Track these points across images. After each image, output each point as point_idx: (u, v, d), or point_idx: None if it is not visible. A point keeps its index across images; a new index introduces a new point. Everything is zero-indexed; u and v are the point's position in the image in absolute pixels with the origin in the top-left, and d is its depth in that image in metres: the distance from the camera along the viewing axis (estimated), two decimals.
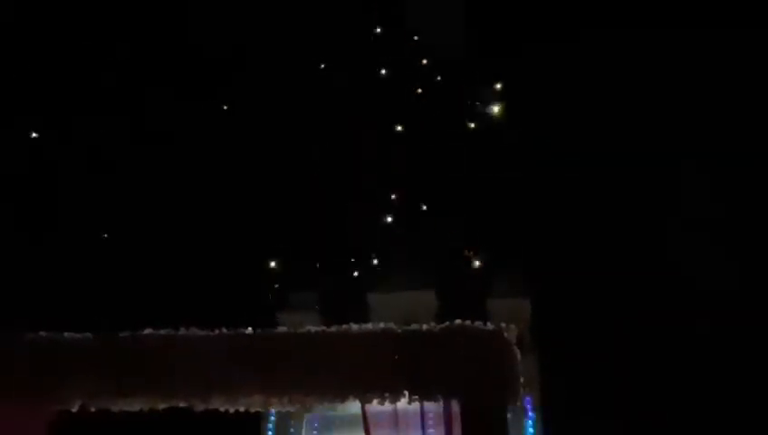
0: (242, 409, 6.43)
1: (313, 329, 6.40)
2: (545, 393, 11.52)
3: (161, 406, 6.27)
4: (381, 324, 6.62)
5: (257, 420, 10.68)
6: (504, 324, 6.19)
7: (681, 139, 15.34)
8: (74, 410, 6.21)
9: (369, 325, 6.48)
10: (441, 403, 6.15)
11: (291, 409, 6.55)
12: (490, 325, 6.17)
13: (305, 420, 11.30)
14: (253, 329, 6.51)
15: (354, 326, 6.37)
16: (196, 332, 6.47)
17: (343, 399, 6.23)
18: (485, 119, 15.71)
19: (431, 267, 14.82)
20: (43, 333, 6.44)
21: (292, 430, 11.12)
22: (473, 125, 15.91)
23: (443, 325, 6.28)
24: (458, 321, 6.28)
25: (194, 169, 15.66)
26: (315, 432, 11.31)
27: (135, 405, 6.23)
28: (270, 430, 11.12)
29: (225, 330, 6.44)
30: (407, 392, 5.99)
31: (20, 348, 6.34)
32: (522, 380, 5.96)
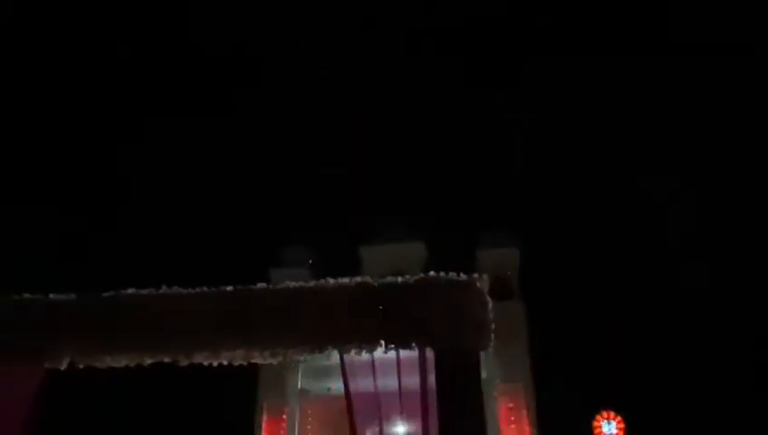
0: (225, 362, 6.55)
1: (292, 284, 6.48)
2: (531, 338, 11.72)
3: (147, 362, 6.39)
4: (358, 278, 6.70)
5: (256, 368, 10.82)
6: (476, 275, 6.25)
7: None
8: (63, 367, 6.33)
9: (346, 279, 6.51)
10: (416, 352, 6.26)
11: (272, 361, 6.69)
12: (463, 276, 6.21)
13: (300, 368, 11.44)
14: (234, 286, 6.59)
15: (331, 280, 6.43)
16: (179, 290, 6.56)
17: (321, 350, 6.35)
18: None
19: (421, 220, 14.81)
20: (28, 295, 6.51)
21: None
22: None
23: (417, 277, 6.33)
24: (432, 273, 6.37)
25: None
26: (310, 380, 11.50)
27: (122, 361, 6.36)
28: (262, 379, 11.31)
29: (206, 288, 6.56)
30: (383, 342, 6.10)
31: (7, 309, 6.44)
32: (493, 326, 6.04)
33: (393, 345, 6.13)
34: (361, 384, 6.72)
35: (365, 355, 6.30)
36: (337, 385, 10.36)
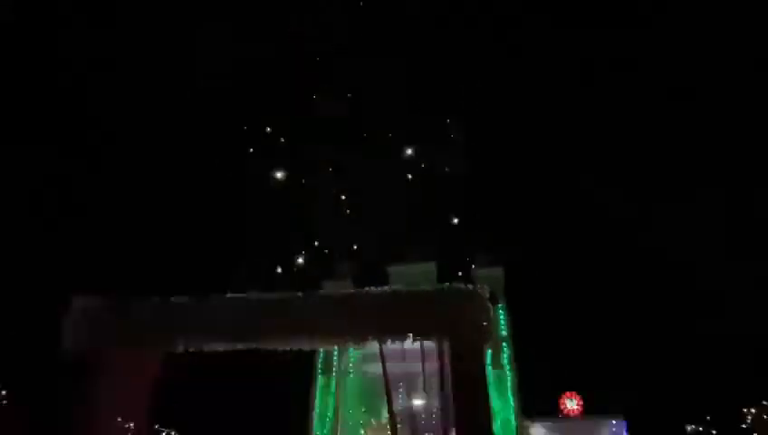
0: (295, 348, 8.40)
1: (345, 291, 8.36)
2: (514, 336, 13.62)
3: (238, 347, 8.20)
4: (392, 287, 8.59)
5: (312, 353, 13.08)
6: (478, 286, 8.14)
7: None
8: (179, 350, 8.13)
9: (386, 288, 8.38)
10: (435, 343, 8.15)
11: (330, 348, 8.52)
12: (469, 286, 8.10)
13: (345, 355, 13.47)
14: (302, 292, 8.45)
15: (373, 289, 8.29)
16: (261, 294, 8.43)
17: (364, 341, 8.19)
18: None
19: (433, 247, 17.19)
20: (154, 298, 8.34)
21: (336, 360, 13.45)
22: None
23: (436, 288, 8.22)
24: (447, 284, 8.28)
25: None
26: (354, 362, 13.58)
27: (220, 347, 8.17)
28: (320, 360, 13.27)
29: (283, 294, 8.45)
30: (410, 335, 7.97)
31: (136, 309, 8.27)
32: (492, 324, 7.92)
33: (418, 337, 7.98)
34: (393, 367, 8.71)
35: (397, 345, 8.20)
36: (371, 369, 12.54)
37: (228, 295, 8.34)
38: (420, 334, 7.99)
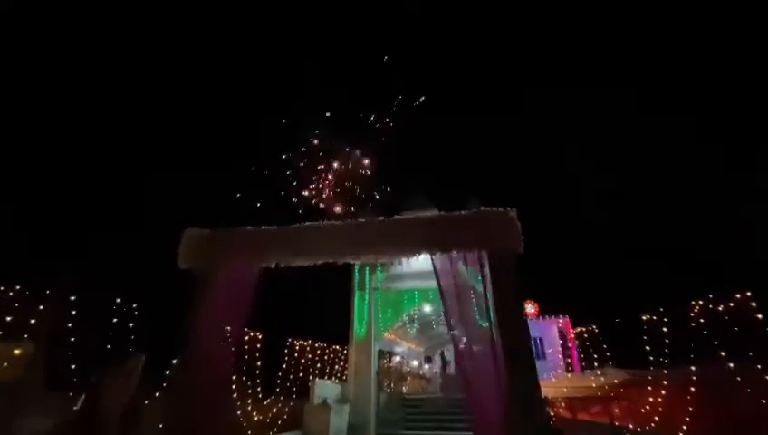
0: (359, 261, 10.30)
1: (404, 217, 10.17)
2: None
3: (319, 262, 10.09)
4: (438, 212, 10.38)
5: (350, 267, 17.00)
6: (508, 208, 9.88)
7: None
8: (272, 266, 10.03)
9: (435, 212, 10.17)
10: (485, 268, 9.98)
11: (393, 259, 10.56)
12: (501, 209, 9.86)
13: (377, 275, 17.15)
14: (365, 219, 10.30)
15: (428, 213, 10.09)
16: (334, 222, 10.27)
17: (418, 253, 10.04)
18: None
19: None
20: (249, 227, 10.17)
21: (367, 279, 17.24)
22: None
23: (477, 210, 9.96)
24: (482, 207, 10.06)
25: None
26: (381, 281, 17.53)
27: (306, 262, 10.06)
28: (356, 281, 16.96)
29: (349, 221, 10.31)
30: (456, 248, 9.81)
31: (238, 235, 10.13)
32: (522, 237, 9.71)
33: (463, 249, 9.82)
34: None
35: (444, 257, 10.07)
36: (393, 285, 16.45)
37: (307, 224, 10.15)
38: (464, 247, 9.76)
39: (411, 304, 18.79)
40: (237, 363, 10.03)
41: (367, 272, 18.59)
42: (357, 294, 18.80)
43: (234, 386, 10.72)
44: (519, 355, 8.77)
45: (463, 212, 9.88)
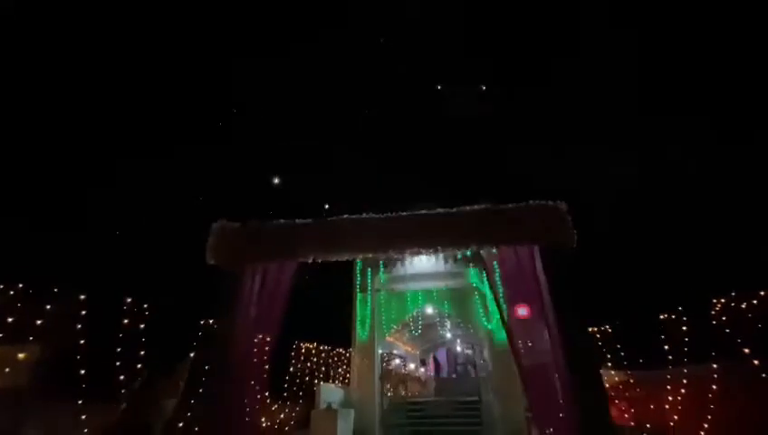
0: (396, 254, 9.68)
1: (443, 210, 9.56)
2: None
3: (359, 256, 9.39)
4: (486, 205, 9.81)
5: (351, 268, 16.78)
6: (559, 201, 9.38)
7: None
8: (309, 261, 9.28)
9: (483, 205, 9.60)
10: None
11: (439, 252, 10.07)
12: (551, 202, 9.35)
13: (379, 277, 16.83)
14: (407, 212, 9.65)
15: (475, 206, 9.51)
16: (372, 215, 9.58)
17: (466, 247, 9.44)
18: None
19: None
20: (282, 220, 9.39)
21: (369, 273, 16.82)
22: None
23: (527, 203, 9.43)
24: (532, 201, 9.53)
25: None
26: (384, 283, 17.16)
27: (345, 257, 9.35)
28: (358, 282, 16.68)
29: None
30: (506, 242, 9.26)
31: (276, 229, 9.33)
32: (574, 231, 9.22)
33: (516, 243, 9.28)
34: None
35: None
36: (396, 287, 18.20)
37: (344, 217, 9.45)
38: (516, 241, 9.22)
39: (414, 305, 18.08)
40: (269, 370, 9.20)
41: (369, 273, 17.91)
42: (359, 296, 18.09)
43: (266, 393, 9.88)
44: (582, 362, 8.26)
45: (511, 205, 9.34)
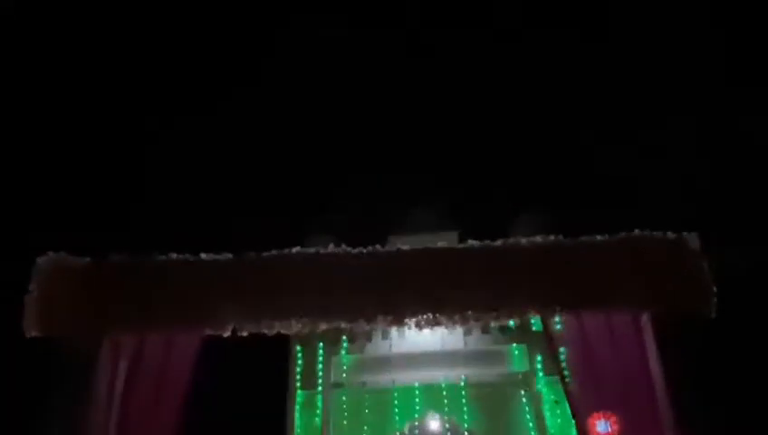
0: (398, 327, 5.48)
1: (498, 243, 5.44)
2: None
3: (323, 327, 5.16)
4: (538, 238, 5.69)
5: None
6: (684, 233, 5.33)
7: None
8: (225, 334, 5.01)
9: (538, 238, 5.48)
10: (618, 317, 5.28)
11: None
12: (671, 234, 5.29)
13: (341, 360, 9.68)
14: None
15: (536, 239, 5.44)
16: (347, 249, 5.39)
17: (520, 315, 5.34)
18: None
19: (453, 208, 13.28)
20: (188, 256, 5.14)
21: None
22: None
23: (620, 236, 5.37)
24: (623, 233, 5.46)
25: None
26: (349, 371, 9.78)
27: (296, 329, 5.09)
28: (298, 371, 9.39)
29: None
30: (592, 307, 5.11)
31: (160, 271, 5.04)
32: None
33: (607, 309, 5.12)
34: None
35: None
36: (375, 378, 9.13)
37: (303, 251, 5.22)
38: (600, 304, 5.14)
39: (406, 414, 9.04)
40: None
41: (321, 353, 9.61)
42: (300, 396, 9.84)
43: None
44: None
45: (600, 238, 5.29)
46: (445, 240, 7.37)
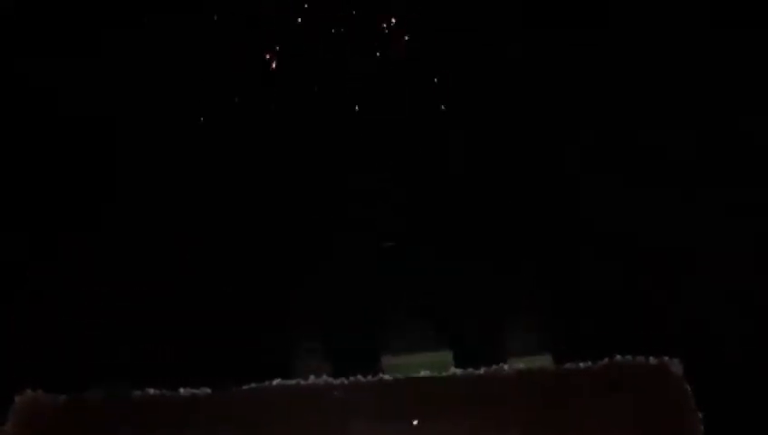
0: None
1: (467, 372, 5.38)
2: None
3: None
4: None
5: None
6: (666, 358, 5.27)
7: None
8: None
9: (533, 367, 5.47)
10: None
11: None
12: (653, 359, 5.24)
13: None
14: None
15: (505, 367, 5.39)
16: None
17: None
18: None
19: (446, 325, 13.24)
20: (151, 390, 5.04)
21: None
22: None
23: (602, 363, 5.33)
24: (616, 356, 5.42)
25: None
26: None
27: None
28: None
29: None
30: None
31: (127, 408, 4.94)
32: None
33: None
34: None
35: None
36: None
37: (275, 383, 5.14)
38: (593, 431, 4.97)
39: None
40: None
41: None
42: None
43: None
44: None
45: (582, 365, 5.26)
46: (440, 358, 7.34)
